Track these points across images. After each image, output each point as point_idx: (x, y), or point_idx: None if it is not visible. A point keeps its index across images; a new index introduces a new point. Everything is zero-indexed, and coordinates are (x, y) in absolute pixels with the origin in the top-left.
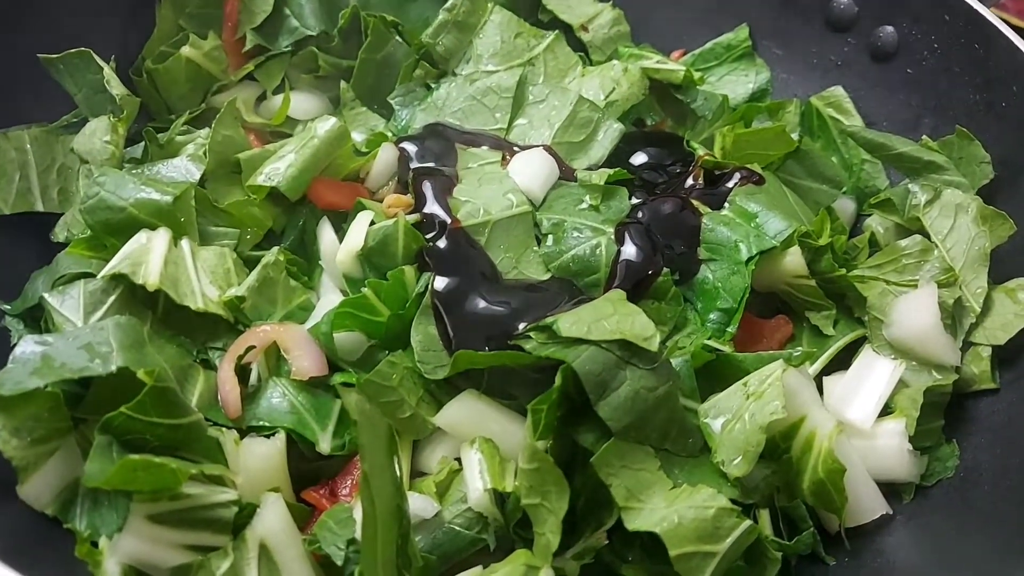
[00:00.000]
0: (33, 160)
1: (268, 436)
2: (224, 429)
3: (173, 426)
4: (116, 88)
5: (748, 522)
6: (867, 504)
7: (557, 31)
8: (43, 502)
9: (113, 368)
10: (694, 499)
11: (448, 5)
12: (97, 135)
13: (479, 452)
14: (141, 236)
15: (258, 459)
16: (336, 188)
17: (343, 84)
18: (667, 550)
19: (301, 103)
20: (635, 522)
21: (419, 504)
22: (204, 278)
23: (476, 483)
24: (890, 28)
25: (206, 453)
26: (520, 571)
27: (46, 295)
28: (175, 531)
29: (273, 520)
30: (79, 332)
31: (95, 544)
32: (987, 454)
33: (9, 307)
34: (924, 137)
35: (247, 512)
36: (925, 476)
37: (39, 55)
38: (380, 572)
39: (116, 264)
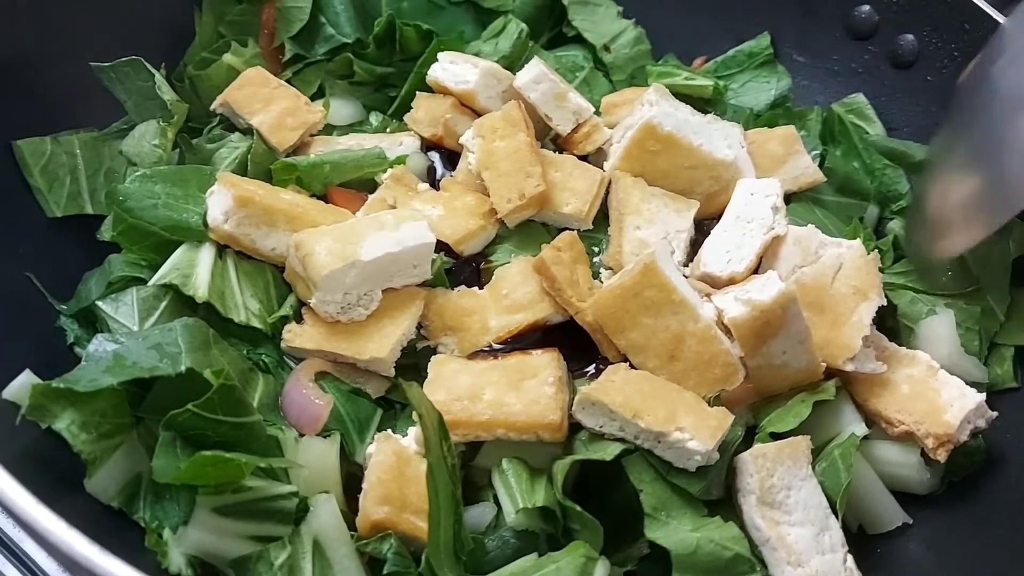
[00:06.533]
0: (82, 164)
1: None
2: (283, 428)
3: (236, 424)
4: (167, 94)
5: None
6: (885, 515)
7: (592, 66)
8: (109, 495)
9: (182, 368)
10: (719, 533)
11: (498, 50)
12: (146, 138)
13: (507, 473)
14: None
15: (316, 457)
16: (348, 197)
17: None
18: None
19: (337, 109)
20: (655, 532)
21: (477, 512)
22: (247, 291)
23: (508, 507)
24: (910, 36)
25: (265, 451)
26: (579, 562)
27: (99, 303)
28: (239, 522)
29: (326, 518)
30: (149, 333)
31: (160, 535)
32: (1012, 449)
33: (65, 307)
34: None
35: (302, 507)
36: (952, 471)
37: (91, 63)
38: (442, 554)
39: (166, 274)
